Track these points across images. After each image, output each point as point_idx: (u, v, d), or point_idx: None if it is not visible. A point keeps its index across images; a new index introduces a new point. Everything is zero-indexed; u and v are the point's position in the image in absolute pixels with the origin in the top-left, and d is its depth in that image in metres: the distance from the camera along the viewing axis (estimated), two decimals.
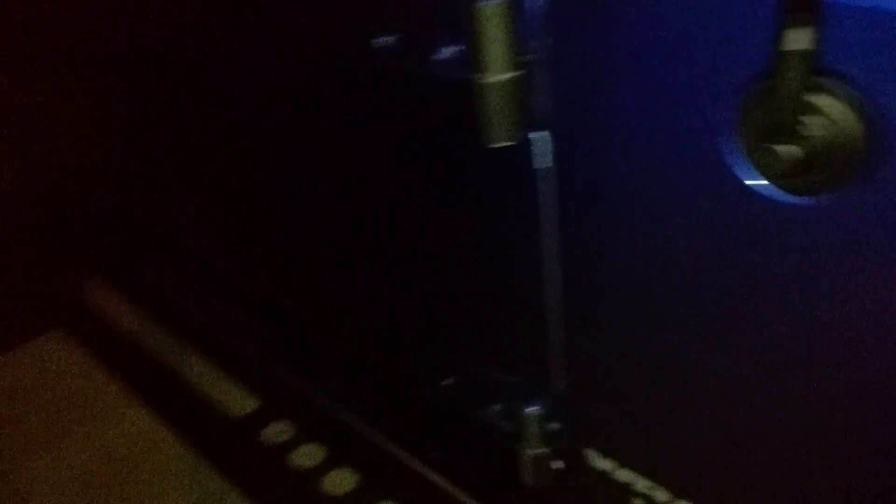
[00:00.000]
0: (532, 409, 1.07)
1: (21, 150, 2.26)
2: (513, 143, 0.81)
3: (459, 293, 1.09)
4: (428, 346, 1.24)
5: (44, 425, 2.39)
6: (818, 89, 0.57)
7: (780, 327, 0.71)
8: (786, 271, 0.68)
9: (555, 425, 1.10)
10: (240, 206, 1.64)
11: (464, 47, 0.82)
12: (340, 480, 1.66)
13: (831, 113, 0.58)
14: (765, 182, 0.65)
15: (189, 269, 2.06)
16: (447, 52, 0.83)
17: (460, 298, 1.10)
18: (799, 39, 0.53)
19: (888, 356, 0.65)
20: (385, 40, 0.88)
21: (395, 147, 0.98)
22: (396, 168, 1.01)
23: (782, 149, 0.59)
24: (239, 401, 1.88)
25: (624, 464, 1.05)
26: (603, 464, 1.07)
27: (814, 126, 0.59)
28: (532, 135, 0.81)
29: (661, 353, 0.88)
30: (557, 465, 1.14)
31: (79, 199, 2.33)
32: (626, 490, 1.03)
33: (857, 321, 0.65)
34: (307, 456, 1.72)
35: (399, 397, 1.53)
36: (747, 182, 0.66)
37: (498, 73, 0.75)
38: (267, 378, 1.86)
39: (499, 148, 0.82)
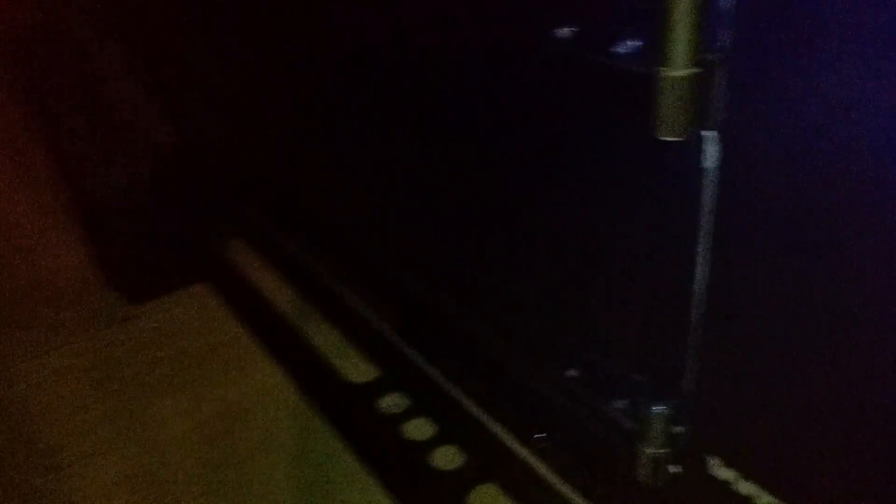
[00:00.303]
0: (659, 409, 1.07)
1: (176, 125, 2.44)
2: (683, 139, 0.82)
3: (601, 284, 1.11)
4: (558, 334, 1.26)
5: (176, 371, 2.59)
6: None
7: None
8: None
9: (679, 428, 1.09)
10: (384, 186, 1.72)
11: (641, 41, 0.84)
12: (448, 457, 1.71)
13: None
14: None
15: (326, 239, 2.16)
16: (626, 44, 0.85)
17: (601, 289, 1.11)
18: None
19: None
20: (565, 30, 0.91)
21: (560, 133, 1.01)
22: (558, 154, 1.04)
23: None
24: (359, 369, 1.96)
25: (748, 476, 1.03)
26: (725, 473, 1.06)
27: None
28: (704, 133, 0.82)
29: (805, 362, 0.87)
30: (675, 468, 1.14)
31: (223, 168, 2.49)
32: None
33: None
34: (418, 429, 1.78)
35: (516, 384, 1.55)
36: None
37: (680, 69, 0.77)
38: (388, 351, 1.93)
39: (665, 143, 0.83)
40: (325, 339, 2.10)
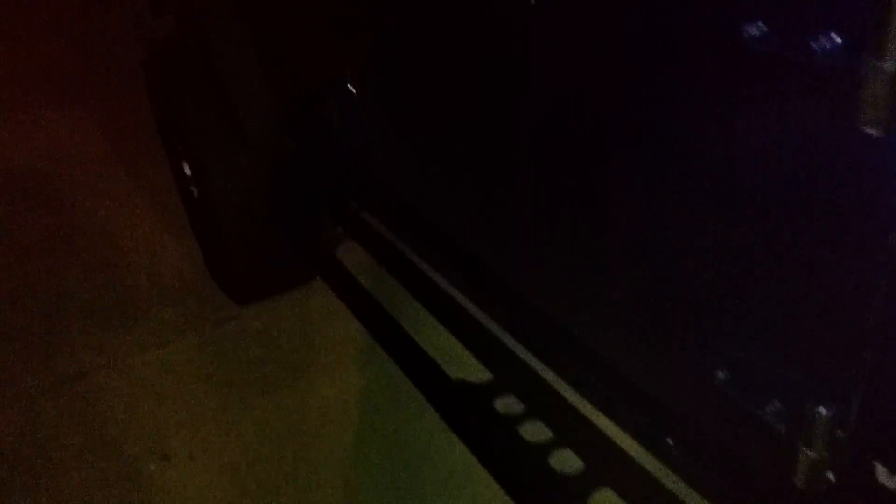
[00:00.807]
0: (824, 410, 1.05)
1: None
2: (884, 132, 0.81)
3: (769, 278, 1.10)
4: (707, 332, 1.25)
5: (279, 370, 2.65)
6: None
7: None
8: None
9: (841, 433, 1.07)
10: (505, 192, 1.75)
11: (839, 37, 0.84)
12: (566, 461, 1.70)
13: None
14: None
15: (441, 244, 2.20)
16: (826, 38, 0.85)
17: (769, 284, 1.10)
18: None
19: None
20: (757, 27, 0.91)
21: (748, 131, 1.01)
22: (749, 148, 1.04)
23: None
24: (474, 371, 1.97)
25: None
26: (892, 481, 1.03)
27: None
28: None
29: None
30: (830, 476, 1.11)
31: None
32: None
33: None
34: (534, 432, 1.78)
35: (638, 389, 1.54)
36: None
37: (893, 59, 0.76)
38: (502, 353, 1.94)
39: (867, 140, 0.83)
40: (439, 340, 2.12)
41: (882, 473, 1.04)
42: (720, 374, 1.22)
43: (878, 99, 0.79)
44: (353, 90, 2.15)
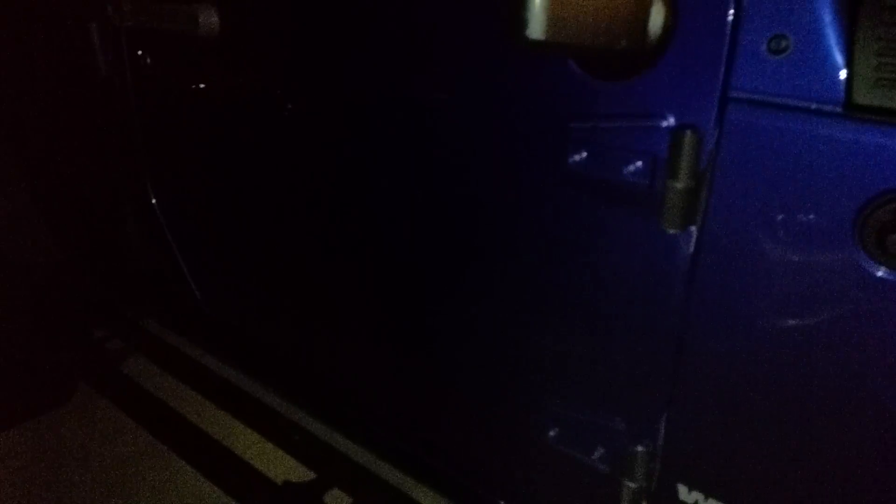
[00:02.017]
0: (640, 449, 1.32)
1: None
2: (677, 231, 1.12)
3: (589, 347, 1.35)
4: (537, 399, 1.47)
5: (87, 487, 2.33)
6: None
7: (884, 382, 1.02)
8: (890, 332, 1.00)
9: (653, 465, 1.34)
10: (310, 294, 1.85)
11: (642, 163, 1.15)
12: None
13: None
14: (878, 263, 0.99)
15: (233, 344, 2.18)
16: (630, 165, 1.15)
17: (588, 352, 1.36)
18: None
19: None
20: (580, 156, 1.19)
21: (573, 232, 1.28)
22: (568, 244, 1.30)
23: None
24: (294, 470, 1.97)
25: (709, 496, 1.30)
26: (692, 497, 1.32)
27: None
28: (692, 227, 1.13)
29: (763, 414, 1.17)
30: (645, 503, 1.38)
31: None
32: None
33: None
34: None
35: (473, 463, 1.71)
36: (868, 266, 0.99)
37: (684, 181, 1.08)
38: (319, 449, 1.97)
39: (661, 234, 1.13)
40: (250, 444, 2.08)
41: (683, 492, 1.32)
42: (551, 433, 1.45)
43: (674, 207, 1.10)
44: (154, 199, 2.11)
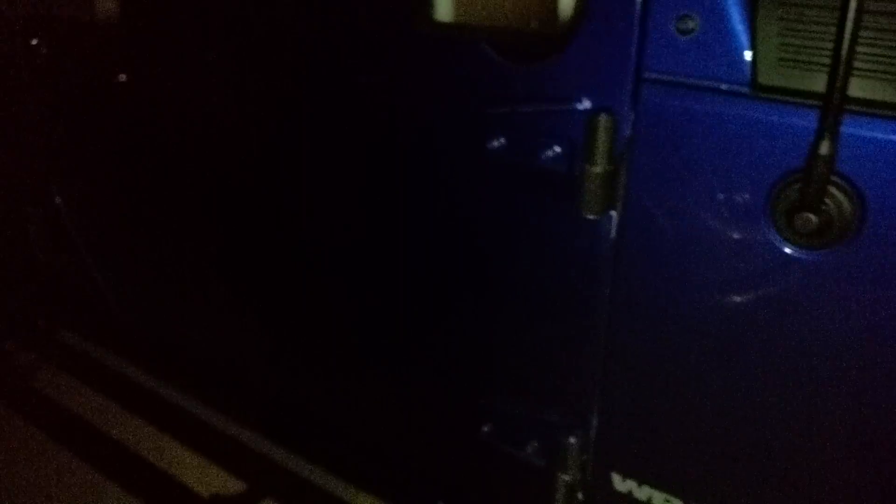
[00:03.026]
0: (572, 441, 1.35)
1: None
2: (597, 216, 1.16)
3: (517, 341, 1.38)
4: (470, 395, 1.49)
5: None
6: (832, 182, 0.97)
7: (797, 355, 1.08)
8: (803, 307, 1.05)
9: (586, 456, 1.38)
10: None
11: (560, 148, 1.18)
12: None
13: (838, 198, 0.98)
14: (787, 241, 1.03)
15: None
16: (549, 150, 1.18)
17: (517, 346, 1.38)
18: (827, 148, 0.93)
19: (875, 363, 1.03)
20: (498, 142, 1.21)
21: (492, 220, 1.30)
22: (488, 230, 1.32)
23: (809, 216, 0.98)
24: (224, 482, 1.96)
25: (642, 483, 1.34)
26: (625, 485, 1.36)
27: (827, 205, 0.98)
28: (612, 212, 1.16)
29: (689, 393, 1.21)
30: (580, 495, 1.41)
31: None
32: None
33: (853, 341, 1.03)
34: None
35: (408, 464, 1.72)
36: (778, 244, 1.04)
37: (601, 166, 1.11)
38: (254, 456, 1.96)
39: (581, 220, 1.16)
40: (177, 457, 2.05)
41: (617, 481, 1.36)
42: (485, 429, 1.47)
43: (593, 192, 1.13)
44: (61, 203, 2.06)
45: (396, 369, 1.62)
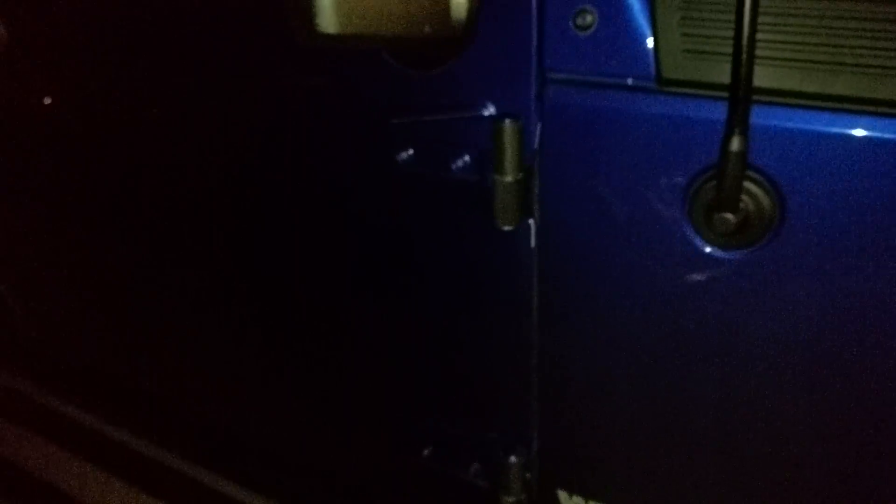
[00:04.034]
0: (513, 460, 1.30)
1: None
2: (513, 227, 1.10)
3: (450, 362, 1.33)
4: (409, 418, 1.44)
5: None
6: (747, 178, 0.92)
7: (729, 357, 1.03)
8: (723, 307, 1.01)
9: (529, 475, 1.33)
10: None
11: (470, 157, 1.12)
12: None
13: (755, 194, 0.93)
14: (708, 242, 0.99)
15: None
16: (458, 160, 1.12)
17: (450, 367, 1.33)
18: (739, 144, 0.88)
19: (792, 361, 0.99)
20: (407, 153, 1.16)
21: (410, 236, 1.24)
22: (408, 247, 1.26)
23: (726, 217, 0.93)
24: None
25: (589, 499, 1.29)
26: (572, 502, 1.31)
27: (745, 202, 0.93)
28: (529, 220, 1.11)
29: (623, 400, 1.17)
30: None
31: None
32: None
33: (784, 339, 0.98)
34: None
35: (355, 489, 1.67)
36: (699, 245, 0.99)
37: (511, 174, 1.05)
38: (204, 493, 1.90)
39: (499, 232, 1.11)
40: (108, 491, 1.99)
41: (564, 498, 1.32)
42: (426, 452, 1.42)
43: (505, 202, 1.08)
44: None
45: (336, 395, 1.57)
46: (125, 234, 1.74)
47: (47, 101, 1.72)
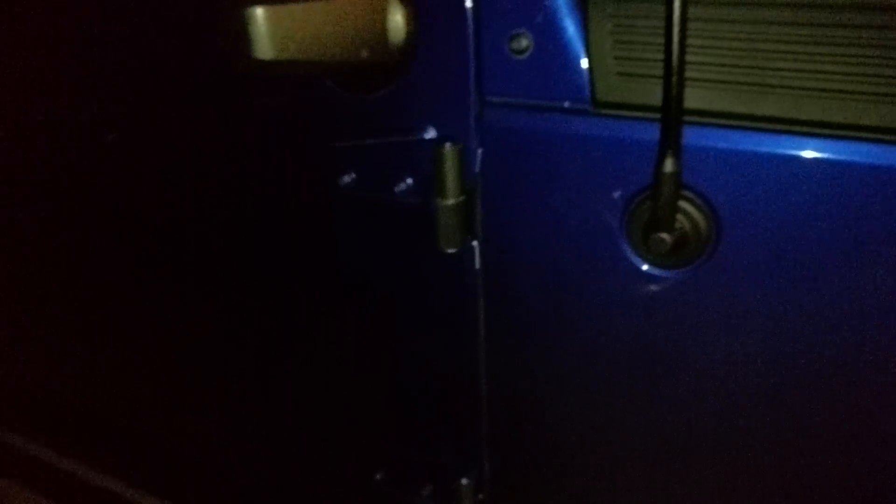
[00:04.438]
0: (465, 482, 1.30)
1: None
2: (457, 249, 1.11)
3: (399, 386, 1.32)
4: (360, 442, 1.43)
5: None
6: (682, 198, 0.94)
7: (671, 375, 1.05)
8: (664, 326, 1.02)
9: (482, 496, 1.33)
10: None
11: (412, 180, 1.13)
12: None
13: (691, 213, 0.95)
14: (645, 261, 1.00)
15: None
16: (401, 183, 1.12)
17: (400, 391, 1.33)
18: (672, 165, 0.90)
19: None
20: (350, 177, 1.16)
21: (355, 260, 1.24)
22: (354, 271, 1.26)
23: (662, 237, 0.95)
24: None
25: None
26: None
27: (680, 221, 0.95)
28: (473, 242, 1.11)
29: (571, 418, 1.18)
30: None
31: None
32: None
33: (723, 358, 1.00)
34: None
35: None
36: (637, 264, 1.00)
37: (453, 197, 1.06)
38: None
39: (443, 255, 1.11)
40: None
41: None
42: (378, 476, 1.41)
43: (447, 225, 1.08)
44: None
45: (287, 418, 1.55)
46: (78, 272, 1.71)
47: None
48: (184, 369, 1.66)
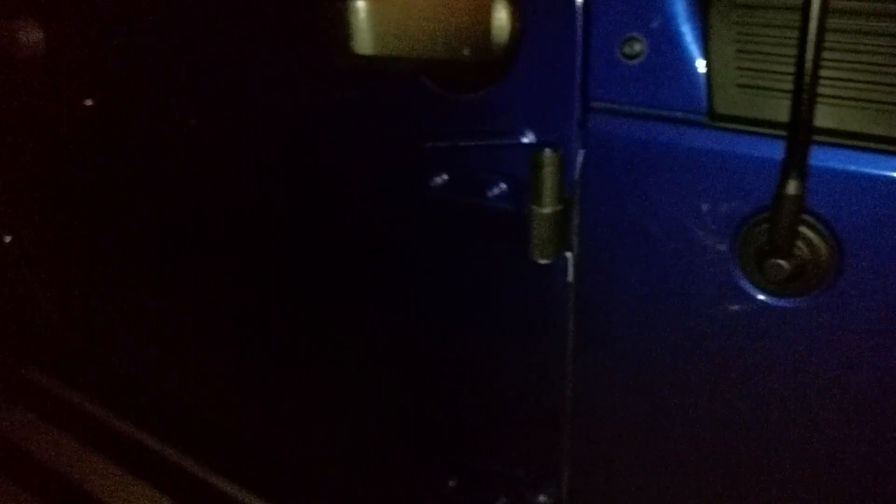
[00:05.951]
0: (542, 499, 1.27)
1: None
2: (550, 260, 1.07)
3: (480, 393, 1.30)
4: (435, 447, 1.42)
5: None
6: (803, 222, 0.88)
7: (774, 406, 0.99)
8: (772, 357, 0.96)
9: None
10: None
11: (506, 185, 1.10)
12: None
13: (811, 240, 0.89)
14: (757, 288, 0.95)
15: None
16: (494, 188, 1.10)
17: (480, 398, 1.31)
18: (795, 188, 0.84)
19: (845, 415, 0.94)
20: (441, 179, 1.13)
21: (442, 264, 1.22)
22: (440, 276, 1.24)
23: (779, 263, 0.89)
24: None
25: None
26: None
27: (799, 248, 0.89)
28: (567, 253, 1.08)
29: (659, 446, 1.13)
30: None
31: None
32: None
33: (835, 392, 0.94)
34: None
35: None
36: (748, 290, 0.95)
37: (549, 206, 1.02)
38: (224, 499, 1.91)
39: (535, 265, 1.08)
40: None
41: None
42: (451, 483, 1.40)
43: (542, 235, 1.05)
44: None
45: (366, 420, 1.55)
46: (155, 241, 1.75)
47: (88, 102, 1.73)
48: (268, 364, 1.68)
